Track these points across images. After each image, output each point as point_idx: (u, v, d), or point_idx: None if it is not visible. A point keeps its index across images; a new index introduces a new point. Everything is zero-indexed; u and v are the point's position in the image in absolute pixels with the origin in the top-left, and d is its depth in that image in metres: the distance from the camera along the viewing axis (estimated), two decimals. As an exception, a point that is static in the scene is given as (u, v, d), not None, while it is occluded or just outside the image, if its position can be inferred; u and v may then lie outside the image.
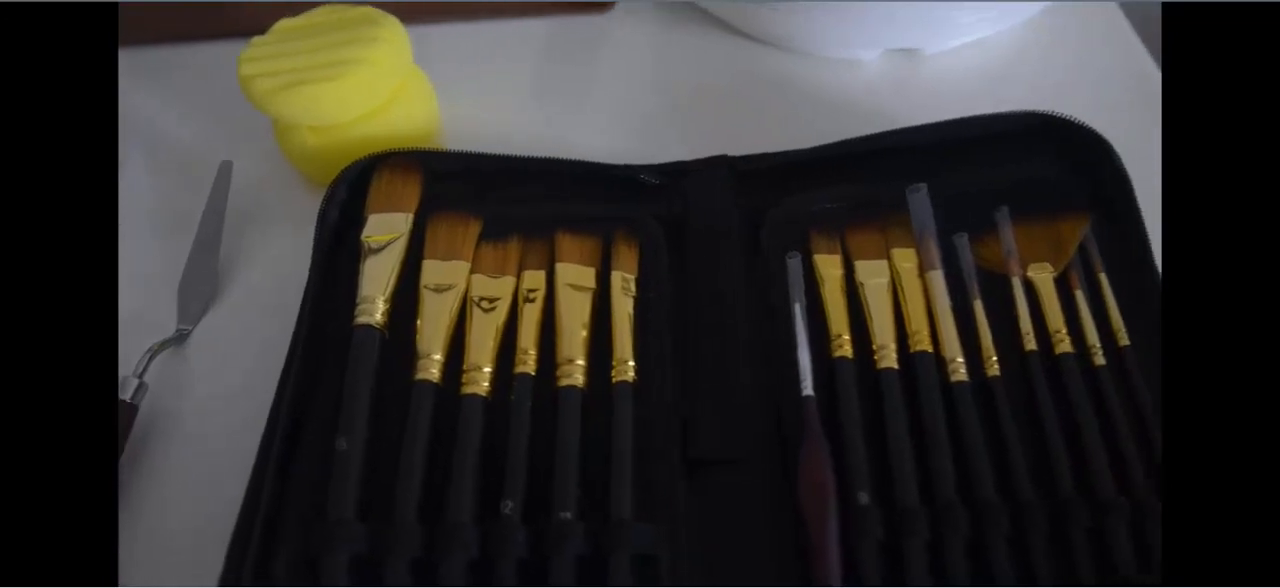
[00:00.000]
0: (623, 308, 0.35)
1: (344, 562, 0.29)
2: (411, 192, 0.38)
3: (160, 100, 0.49)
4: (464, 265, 0.36)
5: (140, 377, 0.36)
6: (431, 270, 0.36)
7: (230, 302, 0.41)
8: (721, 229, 0.38)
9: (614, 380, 0.33)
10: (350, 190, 0.39)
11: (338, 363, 0.34)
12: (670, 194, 0.39)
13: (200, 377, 0.38)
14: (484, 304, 0.35)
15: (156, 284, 0.41)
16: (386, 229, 0.37)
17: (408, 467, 0.31)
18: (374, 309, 0.35)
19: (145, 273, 0.41)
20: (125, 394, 0.36)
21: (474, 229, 0.37)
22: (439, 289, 0.35)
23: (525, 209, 0.39)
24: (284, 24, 0.42)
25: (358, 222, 0.38)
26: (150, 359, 0.37)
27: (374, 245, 0.36)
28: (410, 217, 0.38)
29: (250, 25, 0.42)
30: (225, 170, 0.43)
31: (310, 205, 0.38)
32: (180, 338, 0.39)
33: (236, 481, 0.32)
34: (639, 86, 0.49)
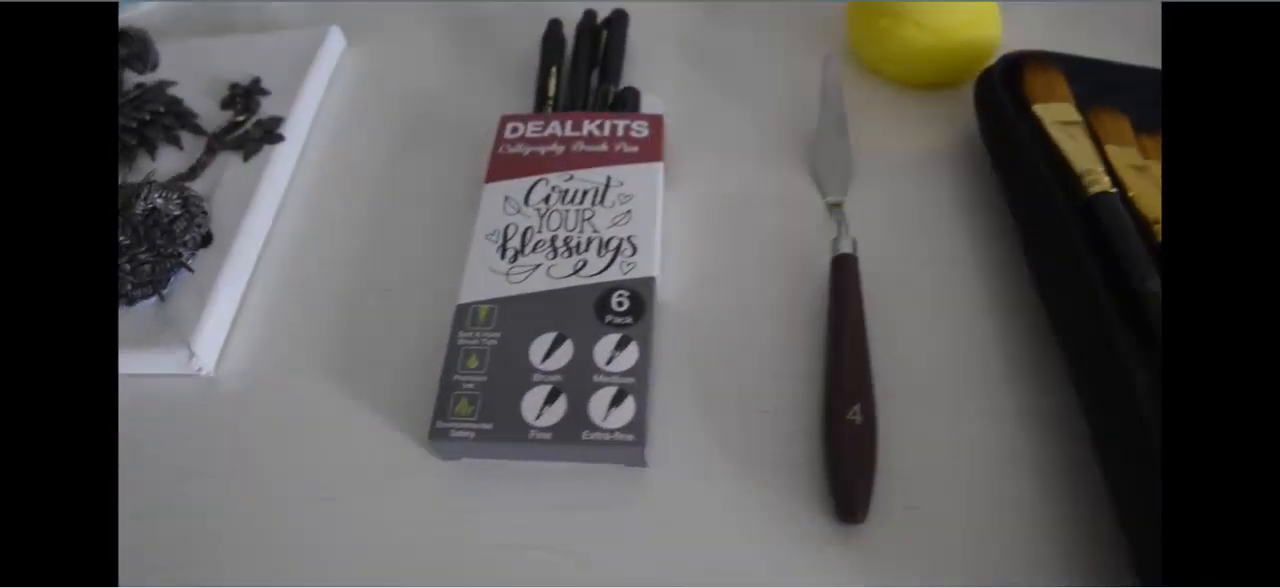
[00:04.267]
0: None
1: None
2: (1061, 85, 0.43)
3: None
4: (1134, 151, 0.41)
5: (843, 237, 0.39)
6: (1116, 154, 0.40)
7: (865, 176, 0.44)
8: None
9: None
10: (1002, 79, 0.43)
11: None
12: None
13: (864, 235, 0.41)
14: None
15: (793, 161, 0.44)
16: (1062, 115, 0.41)
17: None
18: (1100, 180, 0.39)
19: (780, 156, 0.45)
20: (842, 249, 0.39)
21: (1126, 122, 0.42)
22: (1134, 167, 0.40)
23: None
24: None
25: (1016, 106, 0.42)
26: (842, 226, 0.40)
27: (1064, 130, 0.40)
28: (1073, 107, 0.42)
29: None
30: (831, 62, 0.46)
31: (898, 101, 0.46)
32: (834, 207, 0.42)
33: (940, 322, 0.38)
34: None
